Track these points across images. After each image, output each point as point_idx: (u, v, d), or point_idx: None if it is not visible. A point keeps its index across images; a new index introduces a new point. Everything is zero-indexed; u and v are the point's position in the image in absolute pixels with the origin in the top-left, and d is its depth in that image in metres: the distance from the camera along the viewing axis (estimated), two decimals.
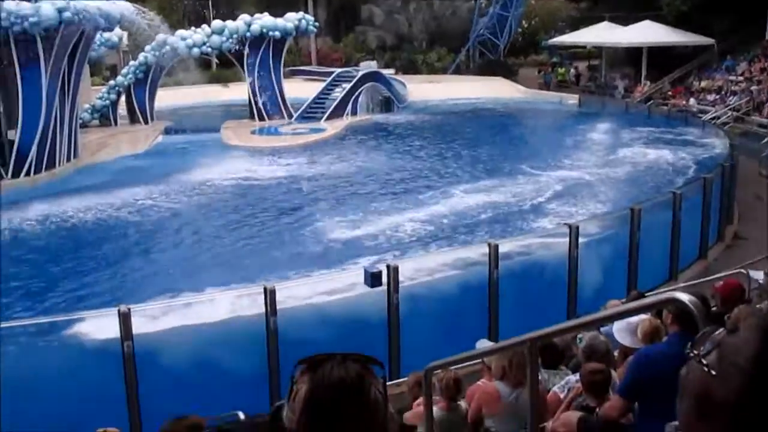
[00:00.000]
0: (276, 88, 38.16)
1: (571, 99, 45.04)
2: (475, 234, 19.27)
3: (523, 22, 56.81)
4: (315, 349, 1.92)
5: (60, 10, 24.82)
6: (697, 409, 1.26)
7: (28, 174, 26.05)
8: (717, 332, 1.29)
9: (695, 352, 1.28)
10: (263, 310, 10.77)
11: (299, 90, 41.30)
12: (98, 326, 11.47)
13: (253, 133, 35.78)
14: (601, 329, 7.32)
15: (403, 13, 54.87)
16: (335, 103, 38.35)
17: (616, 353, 6.73)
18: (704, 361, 1.25)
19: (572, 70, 52.32)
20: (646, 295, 8.20)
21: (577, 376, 5.96)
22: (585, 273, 13.59)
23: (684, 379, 1.30)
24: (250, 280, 14.49)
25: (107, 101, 35.44)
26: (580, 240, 13.63)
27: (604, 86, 47.48)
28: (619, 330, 6.58)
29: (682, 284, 13.98)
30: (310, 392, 1.78)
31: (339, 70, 42.87)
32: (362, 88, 39.31)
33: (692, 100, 39.70)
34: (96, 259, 18.68)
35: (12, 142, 25.79)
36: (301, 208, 22.79)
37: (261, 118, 37.83)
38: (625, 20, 46.86)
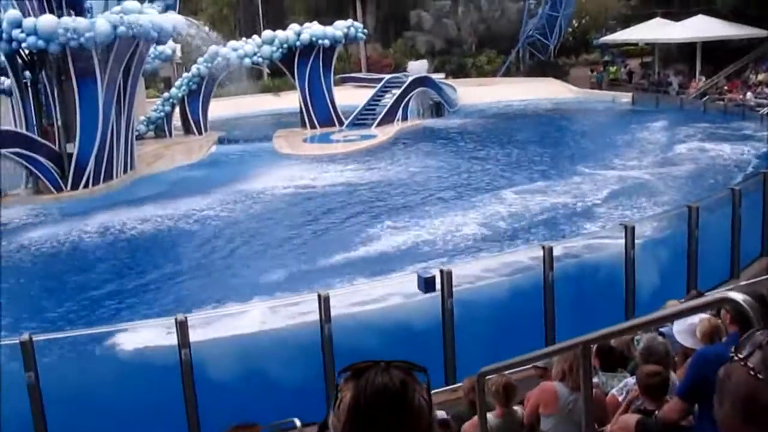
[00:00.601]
0: (326, 95, 38.33)
1: (624, 97, 44.40)
2: (532, 236, 19.09)
3: (573, 21, 56.11)
4: (369, 357, 1.90)
5: (115, 25, 25.33)
6: (743, 412, 1.21)
7: (86, 186, 26.64)
8: (759, 333, 1.24)
9: (739, 355, 1.23)
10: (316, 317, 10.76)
11: (349, 97, 41.44)
12: (155, 335, 11.63)
13: (304, 141, 36.03)
14: (663, 331, 7.17)
15: (452, 17, 54.62)
16: (386, 110, 38.38)
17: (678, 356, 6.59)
18: (750, 365, 1.20)
19: (624, 68, 51.56)
20: (706, 294, 8.01)
21: (635, 378, 5.84)
22: (643, 274, 13.35)
23: (723, 382, 1.25)
24: (305, 287, 14.57)
25: (162, 113, 35.95)
26: (638, 241, 13.41)
27: (657, 83, 46.66)
28: (680, 331, 6.44)
29: (743, 282, 13.65)
30: (354, 399, 1.77)
31: (389, 76, 42.80)
32: (412, 93, 39.26)
33: (749, 94, 38.86)
34: (154, 269, 18.95)
35: (70, 155, 26.43)
36: (354, 214, 22.81)
37: (312, 126, 38.02)
38: (677, 15, 46.04)
